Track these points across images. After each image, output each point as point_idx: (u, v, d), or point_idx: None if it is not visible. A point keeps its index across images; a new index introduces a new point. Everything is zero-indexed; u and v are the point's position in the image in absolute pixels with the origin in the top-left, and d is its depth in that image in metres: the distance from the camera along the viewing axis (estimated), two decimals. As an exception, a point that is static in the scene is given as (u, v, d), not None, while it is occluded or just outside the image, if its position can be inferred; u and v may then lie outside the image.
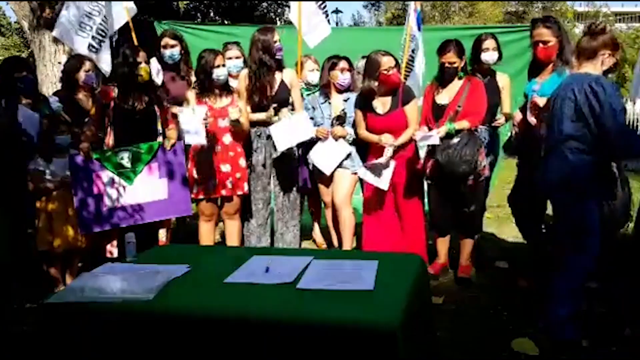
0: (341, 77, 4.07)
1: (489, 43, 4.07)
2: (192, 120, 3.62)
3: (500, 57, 4.11)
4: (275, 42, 3.88)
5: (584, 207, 2.79)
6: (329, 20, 4.85)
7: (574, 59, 3.00)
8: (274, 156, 3.94)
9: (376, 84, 3.76)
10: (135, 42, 4.42)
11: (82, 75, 4.10)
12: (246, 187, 3.91)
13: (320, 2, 4.69)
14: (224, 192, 3.88)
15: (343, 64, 4.08)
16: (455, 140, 3.59)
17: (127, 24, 4.71)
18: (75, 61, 4.22)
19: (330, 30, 4.81)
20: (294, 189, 4.10)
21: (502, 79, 4.16)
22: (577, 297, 2.87)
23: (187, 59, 4.35)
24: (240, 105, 3.85)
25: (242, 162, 3.91)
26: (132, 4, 4.70)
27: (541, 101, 3.24)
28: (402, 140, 3.73)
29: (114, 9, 4.64)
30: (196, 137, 3.64)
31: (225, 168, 3.85)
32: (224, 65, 3.81)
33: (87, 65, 4.16)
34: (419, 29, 4.60)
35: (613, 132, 2.65)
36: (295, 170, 4.13)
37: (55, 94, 4.27)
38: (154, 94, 3.76)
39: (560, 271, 2.89)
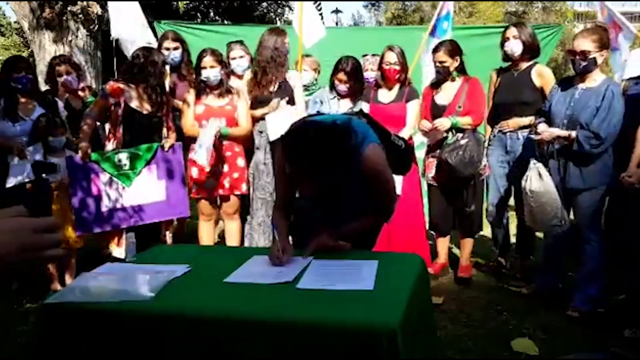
0: (340, 87, 3.99)
1: (510, 31, 3.72)
2: (207, 136, 3.65)
3: (526, 48, 3.71)
4: (286, 44, 3.97)
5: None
6: (323, 22, 4.85)
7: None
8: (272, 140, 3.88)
9: (379, 74, 3.95)
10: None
11: (61, 77, 4.22)
12: (244, 188, 3.90)
13: (317, 3, 4.70)
14: (221, 192, 3.86)
15: (340, 76, 3.94)
16: (463, 141, 3.59)
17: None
18: (54, 63, 4.35)
19: (325, 32, 4.81)
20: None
21: (538, 74, 3.71)
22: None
23: (189, 60, 4.36)
24: (240, 106, 3.85)
25: (241, 162, 3.89)
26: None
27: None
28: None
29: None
30: (201, 156, 3.66)
31: (223, 168, 3.83)
32: (212, 67, 3.76)
33: (64, 67, 4.24)
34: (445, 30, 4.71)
35: None
36: None
37: (45, 92, 4.28)
38: (166, 99, 3.77)
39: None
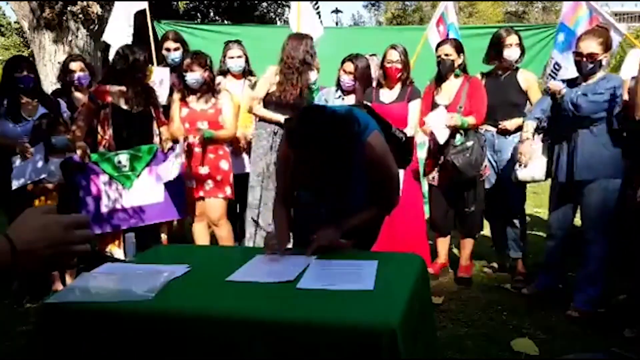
0: (344, 78, 4.01)
1: (512, 39, 3.84)
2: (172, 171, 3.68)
3: (522, 55, 3.90)
4: (314, 47, 3.90)
5: None
6: (321, 21, 4.85)
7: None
8: None
9: (381, 72, 3.93)
10: (152, 43, 4.48)
11: (74, 75, 4.16)
12: (229, 192, 3.84)
13: (314, 2, 4.69)
14: (201, 194, 3.83)
15: (347, 65, 3.98)
16: (469, 143, 3.60)
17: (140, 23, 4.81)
18: (67, 61, 4.28)
19: (323, 31, 4.81)
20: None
21: (525, 78, 3.89)
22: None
23: None
24: (225, 109, 3.80)
25: (225, 164, 3.84)
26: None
27: None
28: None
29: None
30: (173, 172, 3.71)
31: (203, 170, 3.80)
32: (193, 71, 3.72)
33: (78, 65, 4.19)
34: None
35: None
36: None
37: (52, 93, 4.27)
38: (150, 95, 3.77)
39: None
